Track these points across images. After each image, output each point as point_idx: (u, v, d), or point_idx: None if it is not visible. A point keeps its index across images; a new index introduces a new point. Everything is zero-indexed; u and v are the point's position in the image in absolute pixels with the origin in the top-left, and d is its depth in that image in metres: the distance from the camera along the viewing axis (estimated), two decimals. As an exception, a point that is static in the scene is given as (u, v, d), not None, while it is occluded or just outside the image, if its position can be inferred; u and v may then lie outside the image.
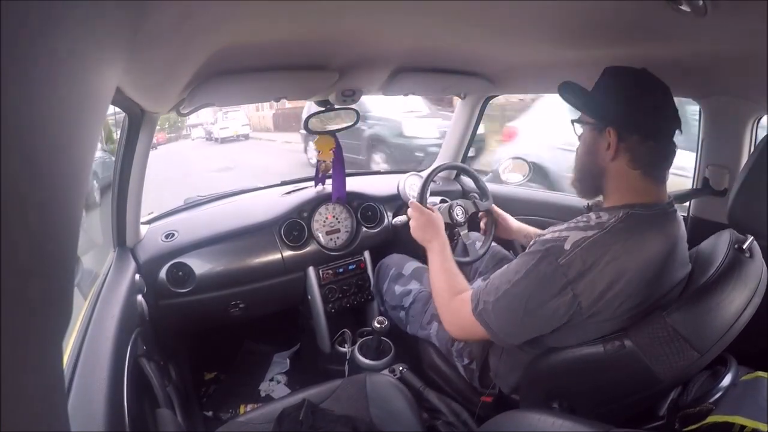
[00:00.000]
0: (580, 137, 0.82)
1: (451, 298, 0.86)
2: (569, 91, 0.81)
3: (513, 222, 1.22)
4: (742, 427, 0.59)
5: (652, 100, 0.72)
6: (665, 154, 0.74)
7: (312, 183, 1.52)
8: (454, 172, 1.75)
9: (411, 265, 1.28)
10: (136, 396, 0.73)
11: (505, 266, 0.78)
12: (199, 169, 7.37)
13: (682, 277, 0.74)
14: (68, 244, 0.27)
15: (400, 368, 1.16)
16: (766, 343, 0.81)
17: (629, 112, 0.72)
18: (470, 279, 1.26)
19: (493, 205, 1.26)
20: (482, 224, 1.25)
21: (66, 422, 0.29)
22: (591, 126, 0.77)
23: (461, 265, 0.98)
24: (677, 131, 0.74)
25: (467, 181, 1.69)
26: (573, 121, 0.82)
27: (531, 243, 0.76)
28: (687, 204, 1.14)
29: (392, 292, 1.25)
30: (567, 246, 0.69)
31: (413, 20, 0.70)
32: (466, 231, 1.22)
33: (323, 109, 1.27)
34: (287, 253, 1.31)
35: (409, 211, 1.07)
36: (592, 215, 0.74)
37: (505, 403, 0.92)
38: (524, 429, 0.60)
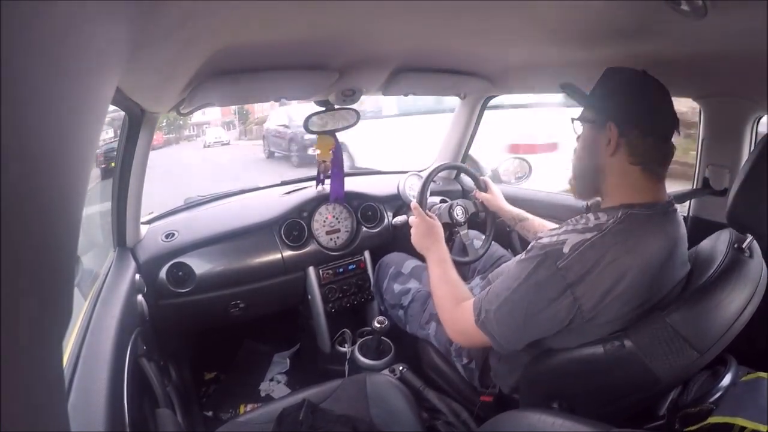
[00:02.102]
0: (578, 138, 0.82)
1: (453, 307, 0.86)
2: (570, 90, 0.81)
3: (502, 202, 1.24)
4: (742, 428, 0.59)
5: (653, 98, 0.73)
6: (664, 153, 0.74)
7: (312, 183, 1.52)
8: (454, 172, 1.75)
9: (410, 263, 1.28)
10: (136, 396, 0.73)
11: (505, 271, 0.78)
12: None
13: (682, 276, 0.74)
14: (68, 244, 0.27)
15: (400, 368, 1.16)
16: (766, 343, 0.81)
17: (630, 107, 0.73)
18: (469, 278, 1.27)
19: (489, 181, 1.28)
20: (479, 196, 1.27)
21: (66, 422, 0.29)
22: (591, 123, 0.77)
23: (459, 265, 0.98)
24: (675, 133, 0.74)
25: (467, 180, 1.69)
26: (573, 120, 0.82)
27: (529, 247, 0.76)
28: (687, 204, 1.14)
29: (391, 290, 1.25)
30: (566, 249, 0.69)
31: (413, 20, 0.70)
32: (466, 231, 1.23)
33: (323, 109, 1.27)
34: (287, 253, 1.31)
35: (411, 218, 1.07)
36: (591, 216, 0.74)
37: (505, 402, 0.92)
38: (524, 429, 0.60)
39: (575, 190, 0.84)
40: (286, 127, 7.27)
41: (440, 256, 0.97)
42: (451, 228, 1.21)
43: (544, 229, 1.15)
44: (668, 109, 0.74)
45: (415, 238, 1.03)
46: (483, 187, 1.27)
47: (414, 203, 1.09)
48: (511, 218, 1.21)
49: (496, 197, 1.25)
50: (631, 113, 0.73)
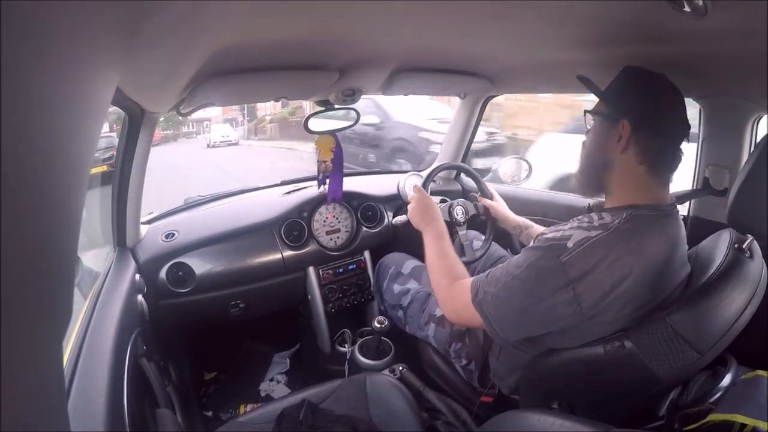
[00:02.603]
0: (588, 132, 0.82)
1: (450, 283, 0.86)
2: (587, 83, 0.81)
3: (507, 210, 1.24)
4: (742, 425, 0.59)
5: (668, 100, 0.73)
6: (673, 157, 0.74)
7: (312, 183, 1.52)
8: (454, 172, 1.75)
9: (410, 263, 1.28)
10: (136, 396, 0.73)
11: (507, 260, 0.78)
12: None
13: (683, 278, 0.74)
14: (68, 244, 0.27)
15: (400, 368, 1.16)
16: (766, 343, 0.81)
17: (645, 106, 0.73)
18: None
19: (493, 190, 1.28)
20: (483, 202, 1.26)
21: (66, 422, 0.29)
22: (603, 117, 0.77)
23: None
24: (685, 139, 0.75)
25: (467, 181, 1.69)
26: (586, 111, 0.82)
27: (533, 241, 0.76)
28: (687, 204, 1.15)
29: (391, 290, 1.25)
30: (570, 244, 0.69)
31: (413, 20, 0.70)
32: (465, 231, 1.23)
33: (323, 109, 1.27)
34: (287, 252, 1.31)
35: (411, 195, 1.07)
36: (594, 215, 0.74)
37: (504, 403, 0.92)
38: (524, 429, 0.60)
39: (579, 185, 0.84)
40: (369, 126, 4.73)
41: (437, 232, 0.97)
42: (450, 228, 1.21)
43: None
44: (681, 113, 0.74)
45: (413, 213, 1.04)
46: (488, 194, 1.27)
47: (417, 185, 1.09)
48: (515, 227, 1.20)
49: (501, 206, 1.24)
50: (646, 112, 0.73)
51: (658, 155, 0.73)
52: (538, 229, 1.17)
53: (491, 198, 1.26)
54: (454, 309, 0.85)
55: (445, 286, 0.87)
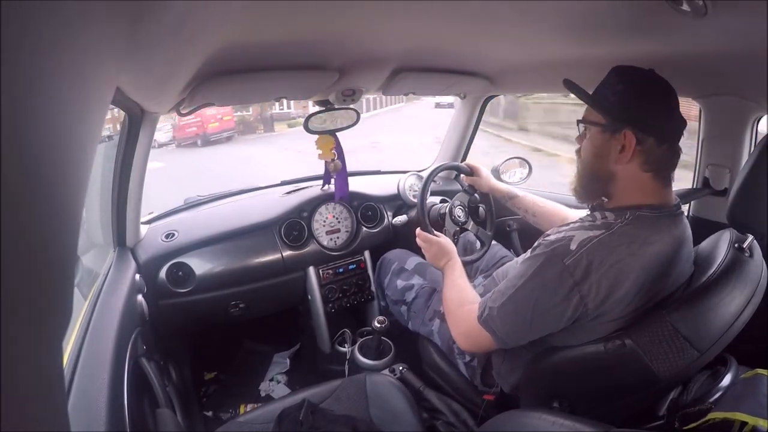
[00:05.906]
0: (580, 138, 0.79)
1: (459, 307, 0.87)
2: (574, 89, 0.78)
3: (491, 180, 1.23)
4: (743, 424, 0.59)
5: (667, 101, 0.71)
6: (675, 157, 0.73)
7: (312, 183, 1.52)
8: (455, 172, 1.75)
9: (413, 260, 1.28)
10: (137, 396, 0.73)
11: (510, 270, 0.78)
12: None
13: (687, 278, 0.74)
14: (68, 244, 0.27)
15: (400, 368, 1.16)
16: (766, 343, 0.81)
17: (648, 114, 0.70)
18: (471, 277, 1.26)
19: (473, 164, 1.27)
20: (468, 180, 1.26)
21: (66, 422, 0.29)
22: (601, 127, 0.73)
23: (469, 264, 0.99)
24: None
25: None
26: (579, 121, 0.79)
27: (536, 244, 0.76)
28: (687, 204, 1.15)
29: (394, 286, 1.25)
30: (573, 246, 0.69)
31: (413, 20, 0.70)
32: (471, 224, 1.23)
33: (323, 109, 1.27)
34: (287, 252, 1.31)
35: (419, 241, 1.08)
36: (597, 215, 0.74)
37: (506, 402, 0.92)
38: (524, 428, 0.60)
39: (579, 197, 0.80)
40: None
41: (452, 265, 1.00)
42: (457, 231, 1.21)
43: (536, 205, 1.15)
44: (678, 111, 0.72)
45: (431, 260, 1.06)
46: (469, 172, 1.24)
47: (418, 230, 1.09)
48: (503, 196, 1.21)
49: (484, 177, 1.23)
50: (648, 121, 0.70)
51: (663, 161, 0.72)
52: (525, 198, 1.17)
53: (472, 174, 1.24)
54: (462, 332, 0.85)
55: (454, 309, 0.89)
